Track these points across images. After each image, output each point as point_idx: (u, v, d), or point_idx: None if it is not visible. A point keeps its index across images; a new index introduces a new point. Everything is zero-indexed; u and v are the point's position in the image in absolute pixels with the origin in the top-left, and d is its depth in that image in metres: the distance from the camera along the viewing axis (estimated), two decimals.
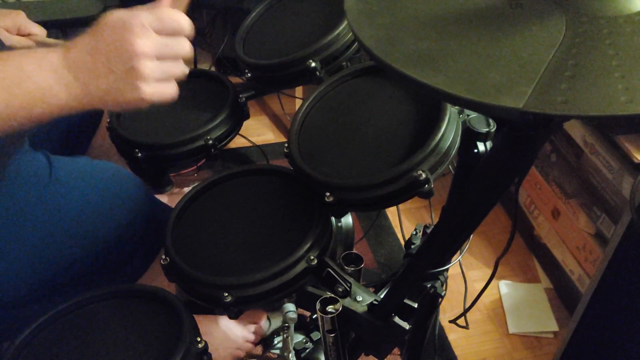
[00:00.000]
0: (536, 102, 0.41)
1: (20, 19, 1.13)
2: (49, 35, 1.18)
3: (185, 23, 0.70)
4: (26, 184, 0.90)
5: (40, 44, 1.13)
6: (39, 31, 1.15)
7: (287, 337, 1.01)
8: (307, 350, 1.15)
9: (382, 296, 0.84)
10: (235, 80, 1.19)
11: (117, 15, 0.67)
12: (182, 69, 0.70)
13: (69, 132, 1.20)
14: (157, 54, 0.67)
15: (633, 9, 0.47)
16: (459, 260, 1.02)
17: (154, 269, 1.07)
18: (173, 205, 0.95)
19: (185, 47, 0.70)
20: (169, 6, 0.71)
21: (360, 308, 0.84)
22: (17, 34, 1.12)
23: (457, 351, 1.55)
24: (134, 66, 0.65)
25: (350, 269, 0.88)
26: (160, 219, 1.02)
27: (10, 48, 1.09)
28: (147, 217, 1.02)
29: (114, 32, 0.66)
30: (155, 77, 0.67)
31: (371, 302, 0.83)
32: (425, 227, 0.99)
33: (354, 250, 0.92)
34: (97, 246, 0.95)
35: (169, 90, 0.69)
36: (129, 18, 0.66)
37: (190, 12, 0.72)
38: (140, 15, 0.66)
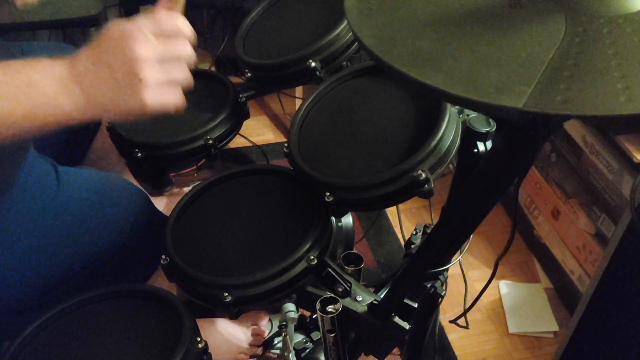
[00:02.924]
0: (536, 101, 0.41)
1: None
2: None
3: (183, 24, 0.69)
4: (34, 193, 0.91)
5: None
6: None
7: (286, 336, 1.01)
8: (307, 350, 1.15)
9: (382, 296, 0.84)
10: (235, 80, 1.19)
11: (117, 24, 0.67)
12: (186, 74, 0.69)
13: (70, 134, 1.20)
14: (158, 58, 0.66)
15: (633, 8, 0.47)
16: (459, 260, 1.02)
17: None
18: (173, 205, 0.95)
19: (186, 48, 0.69)
20: (166, 9, 0.71)
21: (360, 308, 0.84)
22: None
23: (457, 351, 1.55)
24: (136, 72, 0.65)
25: (350, 268, 0.88)
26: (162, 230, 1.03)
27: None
28: (149, 228, 1.02)
29: (115, 41, 0.66)
30: (158, 82, 0.66)
31: (371, 302, 0.83)
32: (425, 227, 0.99)
33: (354, 250, 0.92)
34: (99, 256, 0.96)
35: (173, 97, 0.68)
36: (128, 25, 0.66)
37: (190, 12, 0.72)
38: (138, 22, 0.66)
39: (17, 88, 0.63)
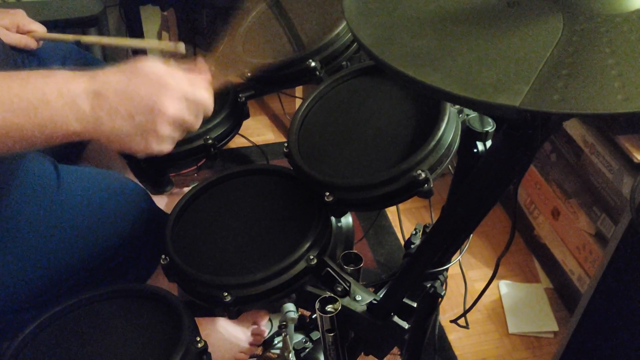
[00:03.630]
0: (533, 100, 0.41)
1: (19, 17, 1.14)
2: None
3: (211, 107, 0.74)
4: (34, 192, 0.91)
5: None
6: (39, 28, 1.15)
7: (286, 336, 1.01)
8: (307, 350, 1.15)
9: (381, 296, 0.84)
10: (235, 80, 1.19)
11: (156, 67, 0.68)
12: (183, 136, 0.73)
13: None
14: (177, 121, 0.69)
15: (630, 7, 0.47)
16: (459, 260, 1.02)
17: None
18: (173, 205, 0.95)
19: (198, 124, 0.73)
20: (208, 75, 0.75)
21: (360, 307, 0.84)
22: (17, 32, 1.13)
23: (457, 351, 1.55)
24: (156, 124, 0.67)
25: (349, 268, 0.88)
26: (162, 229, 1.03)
27: (9, 47, 1.09)
28: (150, 226, 1.02)
29: (150, 86, 0.67)
30: (167, 139, 0.70)
31: (370, 302, 0.83)
32: (425, 227, 0.99)
33: (354, 250, 0.92)
34: (99, 254, 0.96)
35: (167, 149, 0.71)
36: (169, 78, 0.68)
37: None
38: (179, 80, 0.69)
39: (30, 103, 0.63)
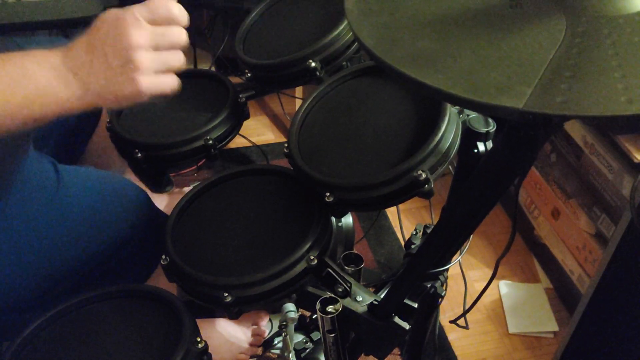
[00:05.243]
0: (536, 102, 0.41)
1: None
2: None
3: (178, 11, 0.70)
4: (34, 191, 0.91)
5: None
6: None
7: (286, 336, 1.01)
8: (307, 351, 1.15)
9: (382, 296, 0.84)
10: (235, 80, 1.19)
11: (112, 11, 0.68)
12: (180, 59, 0.70)
13: (68, 131, 1.20)
14: (152, 44, 0.67)
15: (633, 9, 0.47)
16: (459, 260, 1.02)
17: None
18: (173, 205, 0.95)
19: (181, 35, 0.70)
20: None
21: (360, 308, 0.84)
22: None
23: (457, 351, 1.55)
24: (131, 58, 0.65)
25: (350, 269, 0.88)
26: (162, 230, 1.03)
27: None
28: (149, 227, 1.02)
29: (109, 28, 0.66)
30: (153, 68, 0.67)
31: (371, 302, 0.83)
32: (425, 227, 0.99)
33: (354, 250, 0.92)
34: (99, 254, 0.96)
35: (168, 82, 0.69)
36: (122, 12, 0.67)
37: (190, 12, 0.72)
38: (133, 9, 0.67)
39: (12, 78, 0.64)
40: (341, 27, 1.07)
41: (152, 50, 0.67)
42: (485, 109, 0.43)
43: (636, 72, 0.42)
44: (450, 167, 0.84)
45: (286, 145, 0.93)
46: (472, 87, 0.43)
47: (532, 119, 0.39)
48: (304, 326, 1.20)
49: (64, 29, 1.73)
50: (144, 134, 1.09)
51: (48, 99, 0.65)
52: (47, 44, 1.20)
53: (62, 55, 0.67)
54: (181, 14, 0.70)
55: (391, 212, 1.93)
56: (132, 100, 0.68)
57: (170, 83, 0.69)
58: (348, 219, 1.08)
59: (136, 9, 0.67)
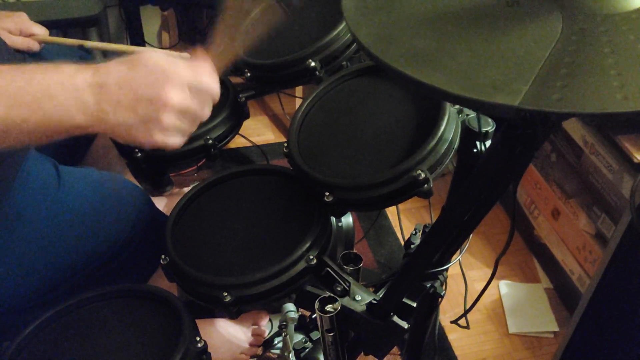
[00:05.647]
0: (532, 99, 0.41)
1: (22, 20, 1.14)
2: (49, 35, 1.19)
3: (217, 93, 0.72)
4: (35, 193, 0.91)
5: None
6: (41, 31, 1.15)
7: (286, 336, 1.01)
8: (307, 350, 1.15)
9: (381, 295, 0.84)
10: (235, 80, 1.19)
11: (158, 58, 0.67)
12: (193, 130, 0.71)
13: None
14: (183, 110, 0.68)
15: (629, 7, 0.47)
16: (459, 260, 1.02)
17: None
18: (173, 205, 0.95)
19: (207, 113, 0.71)
20: (210, 63, 0.73)
21: (359, 307, 0.84)
22: (20, 35, 1.13)
23: (457, 351, 1.55)
24: (159, 116, 0.66)
25: (349, 268, 0.88)
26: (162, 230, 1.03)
27: (12, 49, 1.09)
28: (149, 227, 1.02)
29: (152, 76, 0.66)
30: (172, 130, 0.68)
31: (370, 302, 0.83)
32: (425, 227, 0.99)
33: (354, 250, 0.92)
34: (99, 255, 0.96)
35: (177, 143, 0.70)
36: (171, 67, 0.67)
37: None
38: (181, 69, 0.67)
39: (34, 97, 0.63)
40: (340, 27, 1.07)
41: (180, 114, 0.68)
42: (482, 107, 0.43)
43: (632, 70, 0.42)
44: (449, 167, 0.84)
45: (286, 145, 0.93)
46: (469, 85, 0.44)
47: (528, 117, 0.39)
48: (303, 326, 1.20)
49: (64, 29, 1.73)
50: None
51: (63, 121, 0.65)
52: (65, 54, 1.21)
53: (89, 78, 0.65)
54: (218, 93, 0.72)
55: (391, 212, 1.93)
56: (138, 144, 0.68)
57: (176, 143, 0.70)
58: (348, 219, 1.08)
59: (184, 69, 0.68)
